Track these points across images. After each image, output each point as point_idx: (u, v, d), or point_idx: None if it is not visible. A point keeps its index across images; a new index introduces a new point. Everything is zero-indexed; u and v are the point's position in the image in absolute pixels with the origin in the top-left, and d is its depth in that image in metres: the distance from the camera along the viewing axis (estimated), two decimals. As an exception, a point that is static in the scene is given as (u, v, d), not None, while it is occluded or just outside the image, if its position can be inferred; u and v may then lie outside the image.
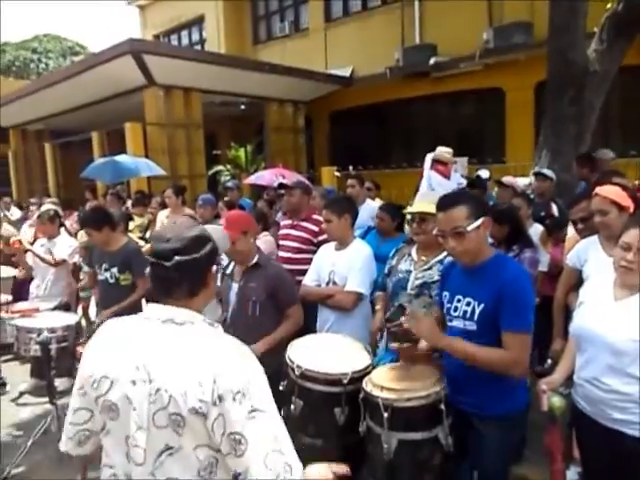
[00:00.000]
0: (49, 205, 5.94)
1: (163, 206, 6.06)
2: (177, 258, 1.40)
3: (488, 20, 9.78)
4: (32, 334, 3.51)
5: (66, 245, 4.89)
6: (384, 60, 10.90)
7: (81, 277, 5.54)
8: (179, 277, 1.42)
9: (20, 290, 5.09)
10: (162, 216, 5.73)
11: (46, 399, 4.84)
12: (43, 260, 4.74)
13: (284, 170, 7.15)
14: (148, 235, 5.97)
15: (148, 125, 9.58)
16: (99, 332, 1.51)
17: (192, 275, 1.44)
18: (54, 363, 3.64)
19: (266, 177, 6.68)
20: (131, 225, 5.85)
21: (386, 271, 3.00)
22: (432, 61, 10.24)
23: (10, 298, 4.30)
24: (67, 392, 4.76)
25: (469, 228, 2.11)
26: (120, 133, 9.89)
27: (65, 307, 4.58)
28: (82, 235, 6.15)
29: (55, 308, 4.12)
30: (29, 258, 4.94)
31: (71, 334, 3.67)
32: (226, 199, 5.89)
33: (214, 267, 1.57)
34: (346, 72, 12.07)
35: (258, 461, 1.27)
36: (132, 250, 4.04)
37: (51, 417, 3.85)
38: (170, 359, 1.33)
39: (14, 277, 5.12)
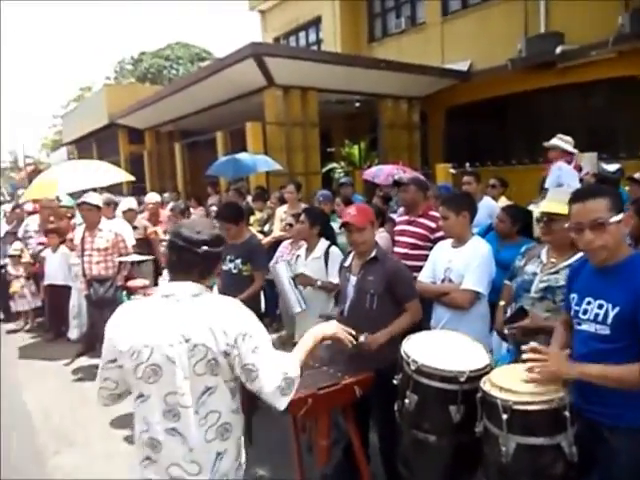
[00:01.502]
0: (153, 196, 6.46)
1: (282, 201, 6.31)
2: (205, 248, 1.82)
3: (624, 3, 8.96)
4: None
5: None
6: (505, 52, 10.43)
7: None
8: (202, 262, 1.84)
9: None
10: (280, 211, 5.98)
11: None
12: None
13: (404, 167, 7.11)
14: (267, 229, 6.27)
15: (267, 124, 10.01)
16: (119, 313, 1.88)
17: (210, 262, 1.87)
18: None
19: (386, 172, 6.67)
20: (251, 219, 6.18)
21: (511, 272, 2.90)
22: (559, 50, 9.60)
23: (147, 282, 4.72)
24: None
25: (611, 220, 1.97)
26: (241, 132, 10.43)
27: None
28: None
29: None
30: (161, 247, 5.41)
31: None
32: (342, 195, 6.02)
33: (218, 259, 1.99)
34: (464, 66, 11.72)
35: (266, 381, 1.76)
36: (255, 244, 4.28)
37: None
38: (196, 321, 1.75)
39: (154, 260, 5.55)
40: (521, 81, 10.43)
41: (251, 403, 3.96)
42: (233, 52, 9.67)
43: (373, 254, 3.01)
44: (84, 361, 5.92)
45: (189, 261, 1.82)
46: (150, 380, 1.76)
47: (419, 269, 3.48)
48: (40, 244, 7.12)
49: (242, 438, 1.93)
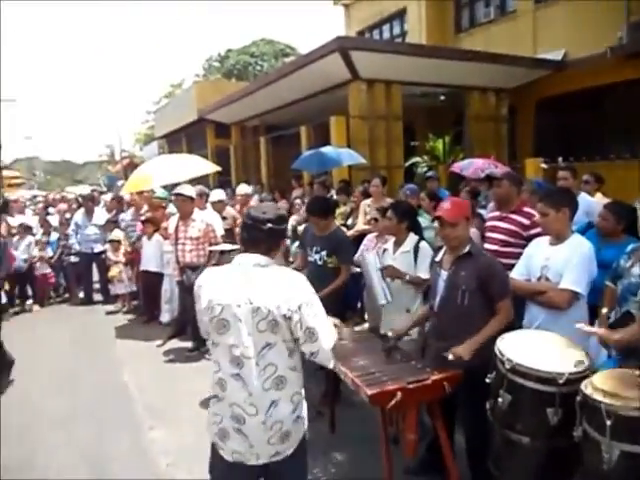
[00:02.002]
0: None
1: (365, 195, 6.32)
2: (269, 225, 2.13)
3: None
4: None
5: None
6: (603, 39, 9.77)
7: (290, 259, 6.11)
8: (267, 237, 2.14)
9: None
10: (364, 205, 6.00)
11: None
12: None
13: (495, 161, 6.88)
14: (350, 222, 6.31)
15: (351, 118, 10.03)
16: (203, 277, 2.24)
17: (275, 238, 2.17)
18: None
19: (476, 166, 6.47)
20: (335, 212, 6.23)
21: (614, 272, 2.74)
22: (666, 36, 8.90)
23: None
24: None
25: None
26: (325, 126, 10.52)
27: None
28: (293, 219, 6.75)
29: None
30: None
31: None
32: (427, 189, 5.94)
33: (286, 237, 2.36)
34: (557, 55, 11.11)
35: (325, 343, 2.09)
36: (341, 237, 4.32)
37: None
38: (261, 287, 2.06)
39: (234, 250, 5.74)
40: (621, 70, 9.74)
41: (334, 393, 4.04)
42: (319, 47, 9.75)
43: (467, 249, 2.95)
44: (175, 343, 6.26)
45: (256, 237, 2.14)
46: (220, 331, 2.11)
47: (510, 267, 3.36)
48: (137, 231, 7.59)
49: (301, 396, 2.23)
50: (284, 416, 2.12)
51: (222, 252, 5.34)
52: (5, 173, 17.74)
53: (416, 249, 3.90)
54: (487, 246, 3.94)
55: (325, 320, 2.15)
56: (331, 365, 2.21)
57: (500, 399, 2.45)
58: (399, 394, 2.50)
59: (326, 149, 7.85)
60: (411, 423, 2.62)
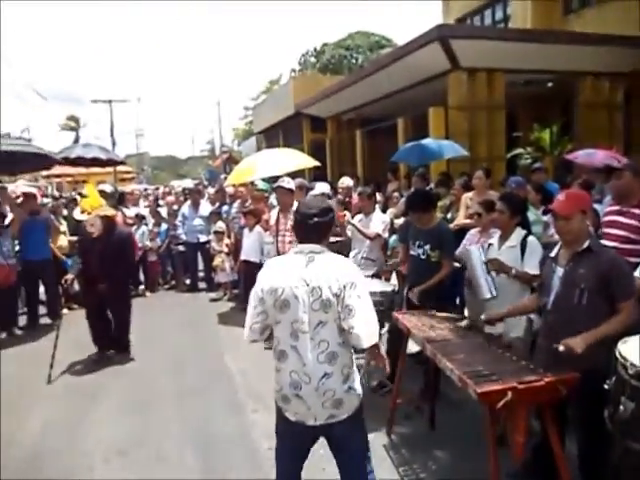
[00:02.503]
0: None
1: (466, 188, 6.13)
2: (315, 219, 2.44)
3: None
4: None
5: (380, 221, 5.39)
6: None
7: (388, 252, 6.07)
8: (315, 229, 2.45)
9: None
10: (466, 198, 5.81)
11: (358, 355, 5.49)
12: (362, 233, 5.34)
13: (616, 154, 6.36)
14: (450, 216, 6.14)
15: (450, 109, 9.75)
16: (267, 265, 2.59)
17: (322, 229, 2.47)
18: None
19: (599, 158, 5.99)
20: (434, 205, 6.09)
21: None
22: None
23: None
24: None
25: None
26: (423, 118, 10.31)
27: (377, 276, 5.09)
28: (390, 212, 6.70)
29: (372, 276, 4.60)
30: (348, 230, 5.62)
31: (387, 300, 4.07)
32: (533, 182, 5.63)
33: (333, 227, 2.65)
34: (681, 35, 10.08)
35: (359, 322, 2.31)
36: (445, 231, 4.24)
37: (362, 371, 4.34)
38: (315, 270, 2.36)
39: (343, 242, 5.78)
40: None
41: (434, 390, 3.98)
42: (417, 36, 9.57)
43: (586, 245, 2.77)
44: None
45: (306, 229, 2.47)
46: (282, 310, 2.40)
47: (632, 265, 3.11)
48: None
49: (351, 369, 2.48)
50: (335, 386, 2.39)
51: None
52: (118, 168, 19.13)
53: (523, 244, 3.72)
54: (605, 243, 3.67)
55: (368, 305, 2.39)
56: (363, 345, 2.37)
57: (621, 407, 2.28)
58: (509, 394, 2.39)
59: (427, 141, 7.69)
60: (520, 425, 2.51)
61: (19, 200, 7.67)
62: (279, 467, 2.63)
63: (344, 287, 2.31)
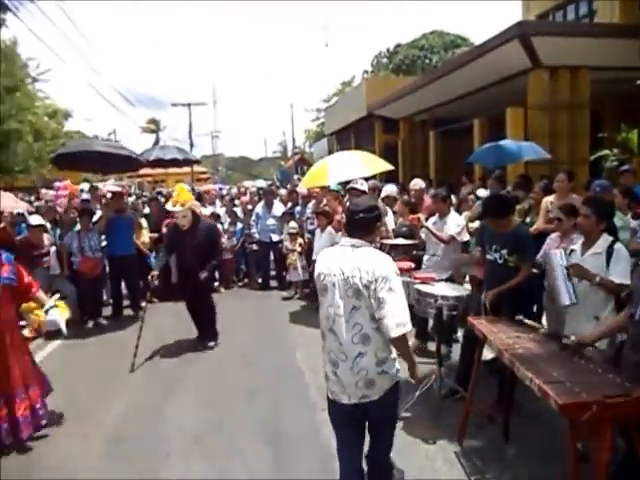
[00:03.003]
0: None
1: (547, 192, 5.88)
2: (360, 215, 2.74)
3: None
4: (430, 299, 3.97)
5: (455, 223, 5.29)
6: None
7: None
8: (360, 224, 2.75)
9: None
10: (547, 202, 5.58)
11: (430, 359, 5.41)
12: (435, 236, 5.26)
13: None
14: (528, 220, 5.92)
15: (530, 109, 9.40)
16: (322, 253, 2.91)
17: (367, 225, 2.76)
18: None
19: None
20: (511, 209, 5.88)
21: None
22: None
23: (413, 265, 4.93)
24: (447, 357, 5.23)
25: None
26: (500, 119, 10.00)
27: (450, 280, 4.99)
28: (465, 215, 6.55)
29: (446, 280, 4.53)
30: (422, 233, 5.56)
31: (461, 304, 3.99)
32: (621, 185, 5.32)
33: (379, 223, 2.95)
34: None
35: (388, 313, 2.53)
36: (524, 235, 4.10)
37: (435, 377, 4.29)
38: (352, 262, 2.64)
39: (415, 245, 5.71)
40: None
41: (509, 400, 3.86)
42: (496, 35, 9.30)
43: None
44: None
45: (352, 224, 2.78)
46: (322, 294, 2.76)
47: None
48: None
49: (386, 354, 2.68)
50: (368, 366, 2.63)
51: (395, 246, 5.40)
52: (195, 168, 19.89)
53: (609, 251, 3.51)
54: None
55: (399, 298, 2.59)
56: (391, 335, 2.55)
57: None
58: (594, 407, 2.29)
59: (505, 142, 7.44)
60: (605, 442, 2.38)
61: (107, 198, 8.19)
62: (337, 444, 2.93)
63: (375, 280, 2.54)
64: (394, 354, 2.72)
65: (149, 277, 6.09)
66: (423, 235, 5.51)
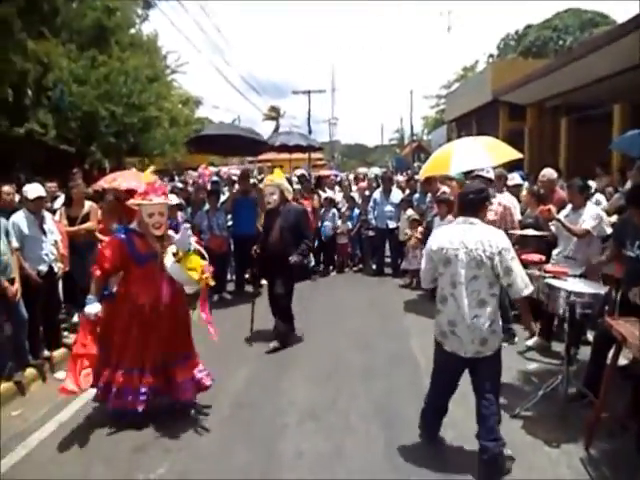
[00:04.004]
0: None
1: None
2: (470, 196, 3.31)
3: None
4: (561, 295, 3.74)
5: (591, 217, 4.90)
6: None
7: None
8: (471, 205, 3.30)
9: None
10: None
11: (553, 360, 5.13)
12: (568, 229, 4.92)
13: None
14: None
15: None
16: (436, 231, 3.55)
17: (476, 204, 3.31)
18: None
19: None
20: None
21: None
22: None
23: (543, 257, 4.67)
24: (575, 359, 4.90)
25: None
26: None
27: (583, 277, 4.65)
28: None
29: (580, 276, 4.23)
30: (552, 226, 5.22)
31: (597, 303, 3.71)
32: None
33: (487, 203, 3.48)
34: None
35: (517, 278, 3.10)
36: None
37: (561, 378, 4.04)
38: (473, 237, 3.16)
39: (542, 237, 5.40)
40: None
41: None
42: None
43: None
44: None
45: (464, 205, 3.36)
46: (445, 265, 3.26)
47: None
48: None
49: (496, 316, 3.21)
50: (483, 326, 3.14)
51: (523, 237, 5.15)
52: (312, 155, 20.31)
53: None
54: None
55: (518, 264, 3.17)
56: (524, 294, 3.18)
57: None
58: None
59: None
60: None
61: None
62: (433, 386, 3.57)
63: (499, 252, 3.07)
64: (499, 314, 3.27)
65: (252, 252, 6.04)
66: (554, 228, 5.18)
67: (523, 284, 3.11)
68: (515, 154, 6.43)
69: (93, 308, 3.92)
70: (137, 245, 4.08)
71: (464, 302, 3.14)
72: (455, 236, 3.21)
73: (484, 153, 6.04)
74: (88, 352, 3.91)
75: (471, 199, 3.30)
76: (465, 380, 3.43)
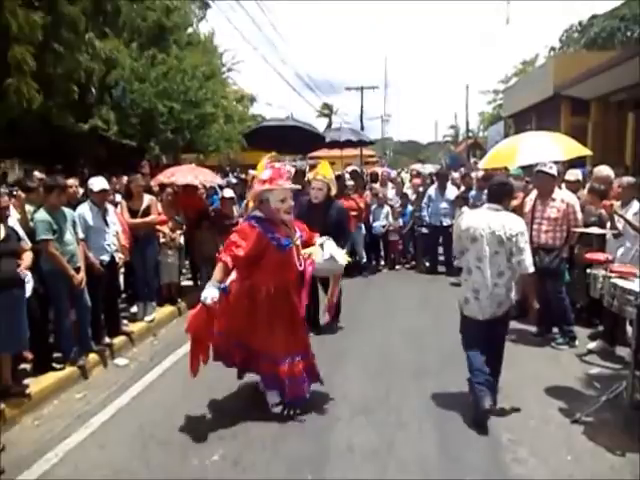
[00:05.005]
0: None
1: None
2: (494, 187, 4.07)
3: None
4: (630, 296, 3.56)
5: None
6: None
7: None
8: (494, 194, 4.02)
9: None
10: None
11: (616, 365, 4.90)
12: (633, 227, 4.69)
13: None
14: None
15: None
16: (465, 215, 4.36)
17: (499, 194, 3.99)
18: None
19: None
20: None
21: None
22: None
23: (610, 257, 4.49)
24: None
25: None
26: None
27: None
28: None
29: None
30: (619, 223, 4.99)
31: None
32: None
33: (510, 195, 4.14)
34: None
35: (527, 257, 3.84)
36: None
37: (626, 383, 3.86)
38: (496, 220, 3.86)
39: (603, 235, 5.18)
40: None
41: None
42: None
43: None
44: (515, 325, 6.00)
45: (490, 194, 4.08)
46: (472, 242, 3.92)
47: None
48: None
49: (511, 284, 3.93)
50: (501, 292, 3.88)
51: (586, 235, 4.95)
52: (364, 152, 20.23)
53: None
54: None
55: (529, 247, 3.87)
56: (529, 271, 3.83)
57: None
58: None
59: None
60: None
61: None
62: (467, 339, 4.11)
63: (516, 235, 3.76)
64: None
65: None
66: (620, 226, 4.93)
67: (529, 262, 3.81)
68: (584, 150, 6.18)
69: (211, 292, 3.65)
70: (276, 232, 3.95)
71: (488, 272, 3.84)
72: (482, 219, 3.92)
73: (553, 146, 5.85)
74: (203, 340, 3.88)
75: (495, 189, 4.03)
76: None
